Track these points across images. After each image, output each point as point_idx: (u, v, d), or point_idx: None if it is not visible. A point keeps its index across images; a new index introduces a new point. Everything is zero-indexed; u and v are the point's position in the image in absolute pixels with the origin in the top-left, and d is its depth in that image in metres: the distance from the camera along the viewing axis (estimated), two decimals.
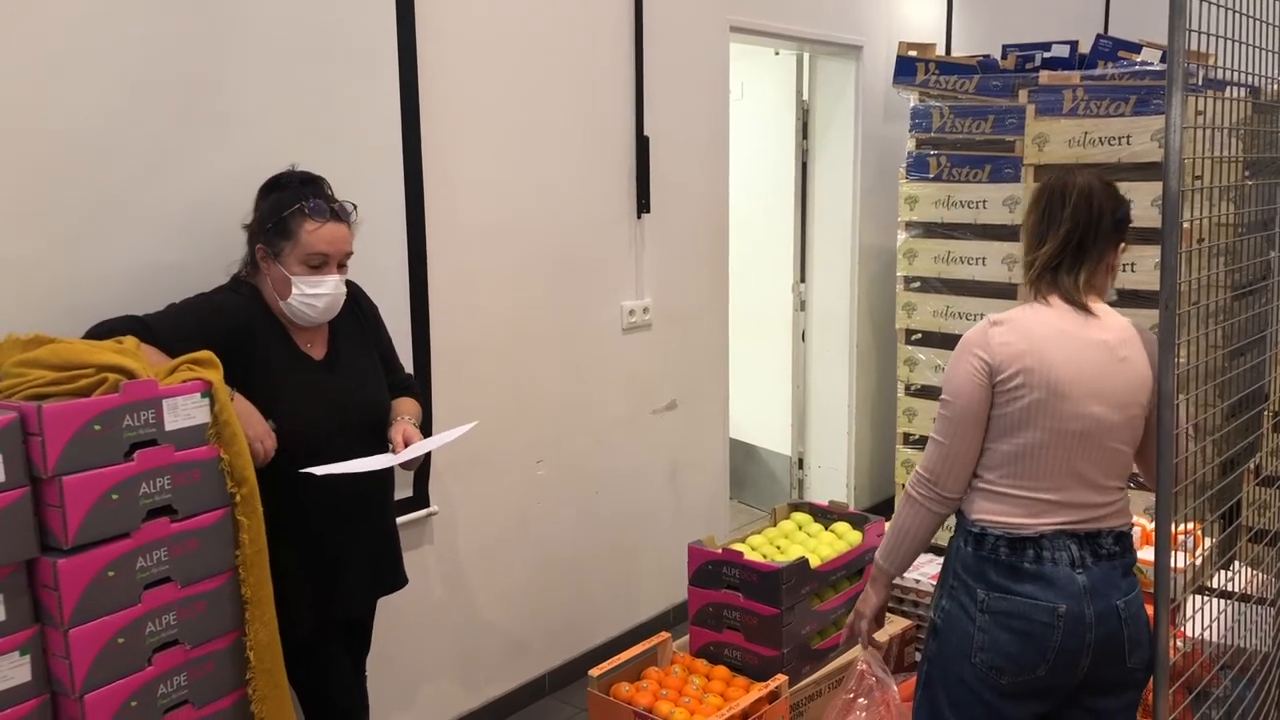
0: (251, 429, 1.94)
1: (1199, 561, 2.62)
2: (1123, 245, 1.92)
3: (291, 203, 2.08)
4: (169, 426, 1.80)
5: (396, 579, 2.36)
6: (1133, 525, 1.90)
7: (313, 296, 2.09)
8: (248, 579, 1.90)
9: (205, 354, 1.91)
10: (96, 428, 1.70)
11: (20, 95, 2.01)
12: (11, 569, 1.65)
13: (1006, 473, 1.84)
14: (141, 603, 1.77)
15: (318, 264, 2.08)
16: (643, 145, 3.41)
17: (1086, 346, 1.82)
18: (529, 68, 3.05)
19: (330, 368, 2.18)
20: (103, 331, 1.95)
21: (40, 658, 1.70)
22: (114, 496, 1.72)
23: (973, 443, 1.85)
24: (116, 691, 1.75)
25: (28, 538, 1.65)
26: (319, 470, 2.00)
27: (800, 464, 4.93)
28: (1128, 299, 3.34)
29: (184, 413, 1.81)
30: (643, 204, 3.44)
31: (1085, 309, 1.85)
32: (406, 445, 2.18)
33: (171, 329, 2.00)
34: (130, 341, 1.89)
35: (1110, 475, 1.85)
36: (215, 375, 1.88)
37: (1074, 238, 1.86)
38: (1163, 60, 3.61)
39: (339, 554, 2.17)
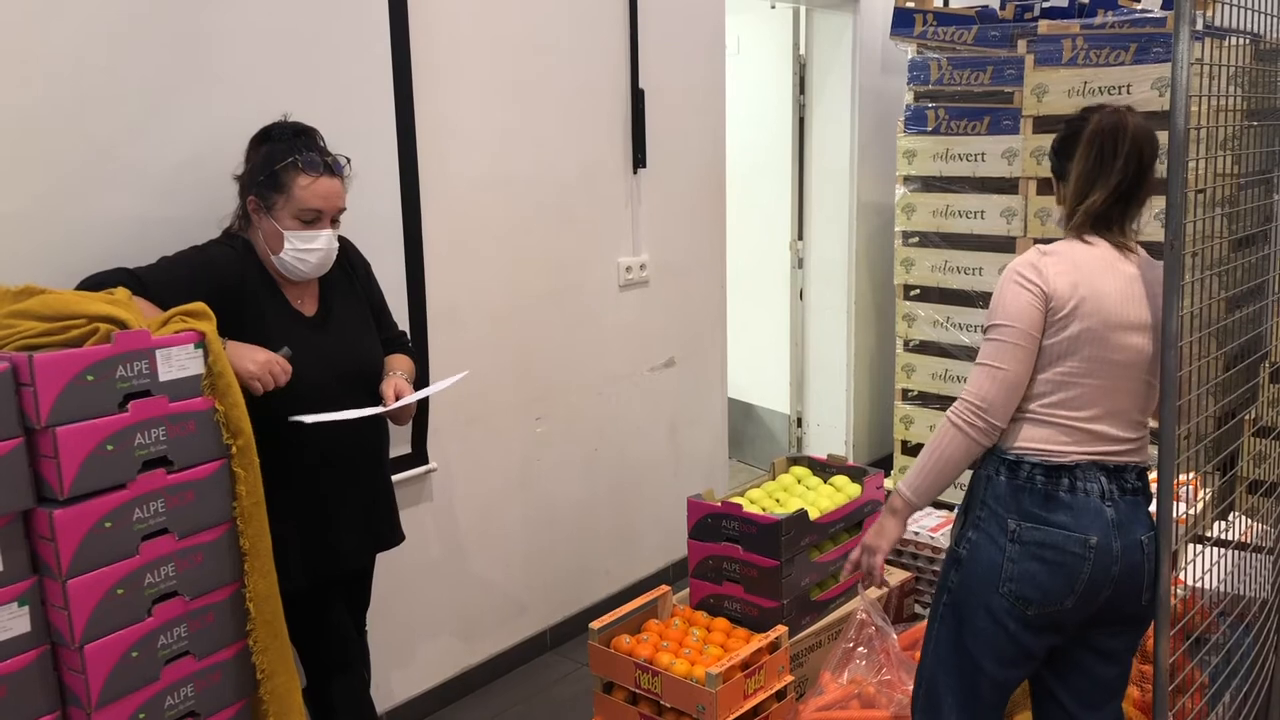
0: (255, 362, 1.92)
1: (1198, 508, 2.63)
2: None
3: (284, 155, 2.04)
4: (163, 377, 1.78)
5: (392, 536, 2.35)
6: (1150, 465, 1.91)
7: (305, 252, 2.07)
8: (246, 531, 1.90)
9: (198, 306, 1.89)
10: (89, 378, 1.68)
11: (8, 48, 1.97)
12: (7, 520, 1.64)
13: (1049, 401, 1.84)
14: (140, 554, 1.77)
15: (310, 219, 2.06)
16: (638, 99, 3.36)
17: (1126, 279, 1.83)
18: (522, 19, 3.00)
19: (322, 324, 2.16)
20: (94, 284, 1.93)
21: (39, 608, 1.69)
22: (109, 447, 1.71)
23: (1028, 368, 1.83)
24: (117, 642, 1.75)
25: (23, 488, 1.64)
26: (308, 419, 1.99)
27: (799, 422, 4.93)
28: None
29: (178, 363, 1.80)
30: (638, 158, 3.40)
31: (1124, 247, 1.87)
32: (398, 400, 2.17)
33: (163, 281, 1.97)
34: (122, 293, 1.87)
35: (1141, 410, 1.87)
36: (209, 327, 1.86)
37: (1123, 188, 1.84)
38: (1164, 7, 3.56)
39: (331, 508, 2.16)
